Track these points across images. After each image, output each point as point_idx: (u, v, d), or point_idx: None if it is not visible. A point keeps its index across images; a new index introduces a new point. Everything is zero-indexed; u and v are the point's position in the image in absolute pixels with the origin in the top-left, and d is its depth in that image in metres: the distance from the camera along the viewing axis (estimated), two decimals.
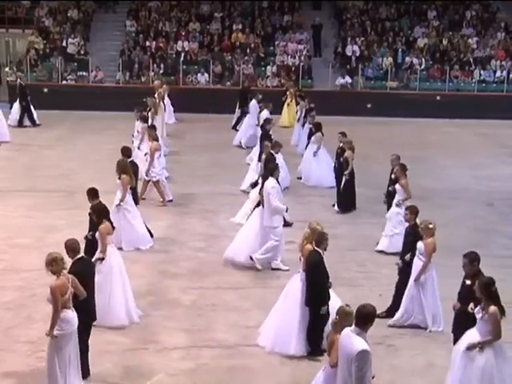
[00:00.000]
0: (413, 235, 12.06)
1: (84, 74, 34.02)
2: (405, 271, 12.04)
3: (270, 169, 14.89)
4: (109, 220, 11.97)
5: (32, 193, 19.24)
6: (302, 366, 10.72)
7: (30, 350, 10.64)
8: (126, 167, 14.87)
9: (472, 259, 9.94)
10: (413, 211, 12.52)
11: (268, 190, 14.14)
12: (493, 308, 8.87)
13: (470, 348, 9.05)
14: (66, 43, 34.86)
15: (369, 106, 33.26)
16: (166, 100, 28.20)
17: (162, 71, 34.13)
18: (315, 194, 19.86)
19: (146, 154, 18.51)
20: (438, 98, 33.99)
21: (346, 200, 18.34)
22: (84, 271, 9.72)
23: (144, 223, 15.55)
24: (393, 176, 15.92)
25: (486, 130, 30.77)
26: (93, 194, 12.58)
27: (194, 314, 12.39)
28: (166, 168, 19.50)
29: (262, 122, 22.56)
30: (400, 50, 35.89)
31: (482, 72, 35.07)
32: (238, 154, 24.90)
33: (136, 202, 15.68)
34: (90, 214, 12.35)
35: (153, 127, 19.72)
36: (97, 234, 11.77)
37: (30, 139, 26.33)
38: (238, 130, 27.64)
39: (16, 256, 14.47)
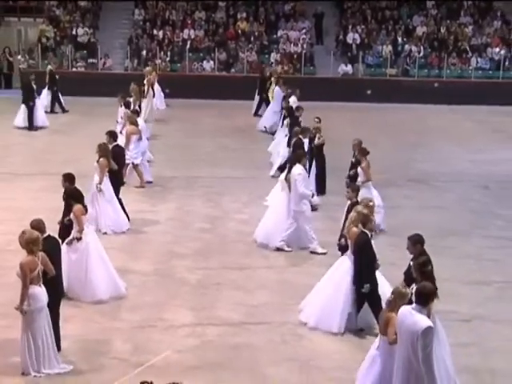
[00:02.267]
0: None
1: (93, 61, 34.84)
2: (345, 250, 11.85)
3: (297, 155, 14.96)
4: (82, 203, 12.10)
5: (41, 176, 19.51)
6: (303, 343, 11.07)
7: None
8: (106, 151, 15.22)
9: (415, 241, 9.97)
10: (354, 189, 12.88)
11: (295, 176, 14.33)
12: None
13: None
14: (76, 32, 35.64)
15: (369, 92, 33.80)
16: (156, 86, 28.54)
17: (168, 58, 35.06)
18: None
19: None
20: (436, 84, 34.49)
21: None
22: (51, 249, 9.84)
23: (122, 206, 15.74)
24: (353, 160, 16.14)
25: (483, 115, 31.13)
26: (70, 178, 12.70)
27: (200, 293, 12.69)
28: (146, 151, 19.61)
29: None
30: (399, 38, 36.54)
31: (478, 59, 35.66)
32: (243, 138, 25.37)
33: (121, 184, 16.23)
34: (64, 198, 12.60)
35: (135, 112, 20.09)
36: (72, 216, 11.97)
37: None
38: (260, 116, 27.97)
39: None
